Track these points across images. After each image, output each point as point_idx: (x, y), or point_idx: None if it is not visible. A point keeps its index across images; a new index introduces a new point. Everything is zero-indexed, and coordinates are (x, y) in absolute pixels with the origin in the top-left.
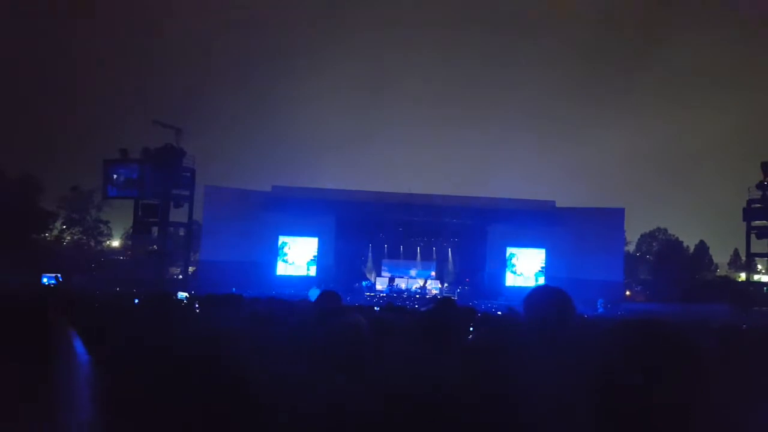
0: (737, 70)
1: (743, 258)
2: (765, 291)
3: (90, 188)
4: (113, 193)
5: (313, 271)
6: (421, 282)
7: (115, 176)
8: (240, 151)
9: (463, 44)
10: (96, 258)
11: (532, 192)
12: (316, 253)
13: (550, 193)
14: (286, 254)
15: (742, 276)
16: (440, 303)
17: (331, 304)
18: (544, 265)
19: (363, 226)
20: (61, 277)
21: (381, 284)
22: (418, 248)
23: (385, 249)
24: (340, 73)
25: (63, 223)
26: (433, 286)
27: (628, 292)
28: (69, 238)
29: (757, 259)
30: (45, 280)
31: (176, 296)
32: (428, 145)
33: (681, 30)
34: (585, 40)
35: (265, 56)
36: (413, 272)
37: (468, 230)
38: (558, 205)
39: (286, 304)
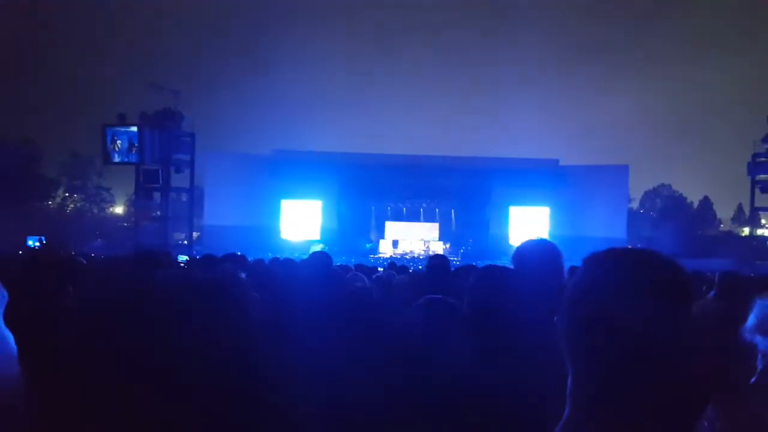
0: (740, 25)
1: (747, 212)
2: None
3: (89, 154)
4: (113, 158)
5: (317, 234)
6: (423, 244)
7: (114, 141)
8: (240, 114)
9: (466, 4)
10: (99, 225)
11: (536, 151)
12: (320, 216)
13: (554, 152)
14: (289, 217)
15: (746, 230)
16: (432, 259)
17: (322, 264)
18: (548, 222)
19: (366, 189)
20: (45, 239)
21: (385, 246)
22: (422, 209)
23: (389, 211)
24: (341, 33)
25: (65, 191)
26: (437, 247)
27: None
28: (72, 205)
29: (761, 213)
30: (30, 242)
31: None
32: (431, 106)
33: None
34: (589, 2)
35: (264, 17)
36: (416, 233)
37: (471, 190)
38: (561, 163)
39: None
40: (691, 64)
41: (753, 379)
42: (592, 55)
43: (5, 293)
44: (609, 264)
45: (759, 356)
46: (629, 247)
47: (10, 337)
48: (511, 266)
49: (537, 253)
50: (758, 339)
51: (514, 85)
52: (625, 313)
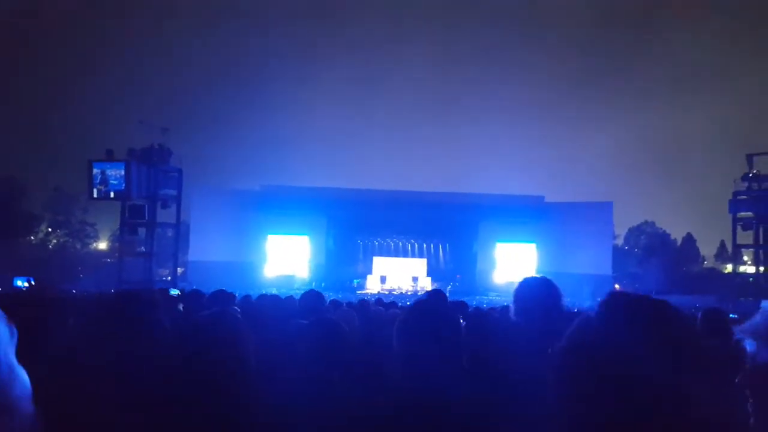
0: (719, 65)
1: (729, 249)
2: (750, 281)
3: (75, 190)
4: (99, 194)
5: (305, 270)
6: (412, 280)
7: (100, 177)
8: (228, 150)
9: (450, 43)
10: (82, 260)
11: (522, 187)
12: (308, 251)
13: (539, 189)
14: (276, 254)
15: (729, 267)
16: (431, 294)
17: (314, 303)
18: (535, 258)
19: (354, 224)
20: (33, 279)
21: (372, 282)
22: (410, 245)
23: (376, 246)
24: (328, 71)
25: (48, 226)
26: (425, 283)
27: (617, 286)
28: (55, 240)
29: (743, 250)
30: (19, 282)
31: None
32: (418, 142)
33: (666, 27)
34: (572, 38)
35: (252, 53)
36: (404, 270)
37: (458, 226)
38: (547, 200)
39: (275, 300)
40: (672, 102)
41: (737, 379)
42: (576, 92)
43: (15, 330)
44: (628, 314)
45: (747, 358)
46: (641, 296)
47: (24, 375)
48: (511, 303)
49: (537, 290)
50: (748, 342)
51: (500, 121)
52: (641, 367)
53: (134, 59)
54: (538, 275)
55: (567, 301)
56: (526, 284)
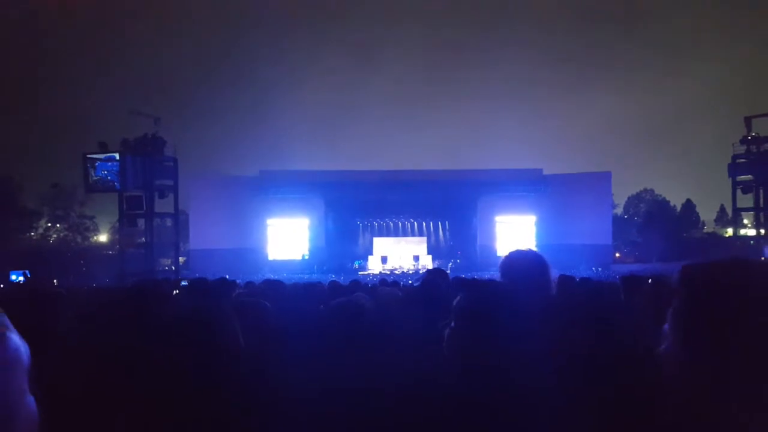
0: (716, 30)
1: (730, 213)
2: (751, 244)
3: (72, 183)
4: (95, 187)
5: (306, 254)
6: (413, 259)
7: (96, 170)
8: (223, 137)
9: (446, 18)
10: (84, 254)
11: (520, 161)
12: (307, 234)
13: (538, 161)
14: (276, 236)
15: (729, 231)
16: (431, 273)
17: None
18: (535, 231)
19: (353, 205)
20: (30, 273)
21: (374, 262)
22: (409, 225)
23: (376, 227)
24: (324, 52)
25: (48, 221)
26: (426, 262)
27: (617, 254)
28: (55, 235)
29: (743, 213)
30: (13, 276)
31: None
32: (414, 120)
33: None
34: (568, 8)
35: (245, 38)
36: (405, 249)
37: (457, 203)
38: (546, 172)
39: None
40: (668, 69)
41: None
42: (572, 63)
43: (27, 348)
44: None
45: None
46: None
47: (33, 403)
48: (499, 277)
49: (524, 263)
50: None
51: (496, 96)
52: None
53: (125, 48)
54: (524, 249)
55: (555, 272)
56: (511, 257)
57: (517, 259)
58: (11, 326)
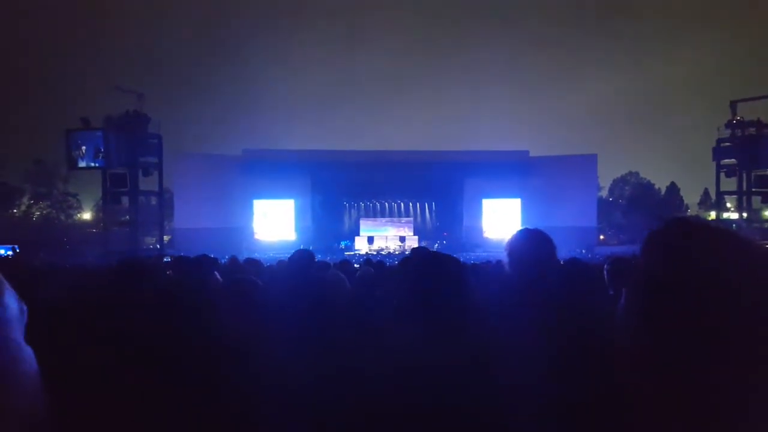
0: (700, 15)
1: (713, 197)
2: (734, 227)
3: (54, 160)
4: (79, 164)
5: (291, 234)
6: (399, 240)
7: (78, 147)
8: (208, 115)
9: (432, 3)
10: (67, 231)
11: (506, 143)
12: (293, 215)
13: (524, 143)
14: (262, 218)
15: (713, 214)
16: (414, 252)
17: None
18: (520, 213)
19: (339, 186)
20: (18, 247)
21: (360, 244)
22: (395, 205)
23: (362, 208)
24: (311, 32)
25: (30, 198)
26: (412, 243)
27: (602, 237)
28: (38, 213)
29: (726, 197)
30: (2, 251)
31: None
32: (401, 101)
33: None
34: None
35: (231, 16)
36: (391, 230)
37: (444, 184)
38: (532, 154)
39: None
40: (654, 53)
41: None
42: (558, 47)
43: (25, 308)
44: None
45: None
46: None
47: (31, 353)
48: (505, 257)
49: (532, 241)
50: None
51: (483, 78)
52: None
53: (108, 25)
54: (530, 228)
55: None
56: (521, 235)
57: (526, 238)
58: (7, 284)
